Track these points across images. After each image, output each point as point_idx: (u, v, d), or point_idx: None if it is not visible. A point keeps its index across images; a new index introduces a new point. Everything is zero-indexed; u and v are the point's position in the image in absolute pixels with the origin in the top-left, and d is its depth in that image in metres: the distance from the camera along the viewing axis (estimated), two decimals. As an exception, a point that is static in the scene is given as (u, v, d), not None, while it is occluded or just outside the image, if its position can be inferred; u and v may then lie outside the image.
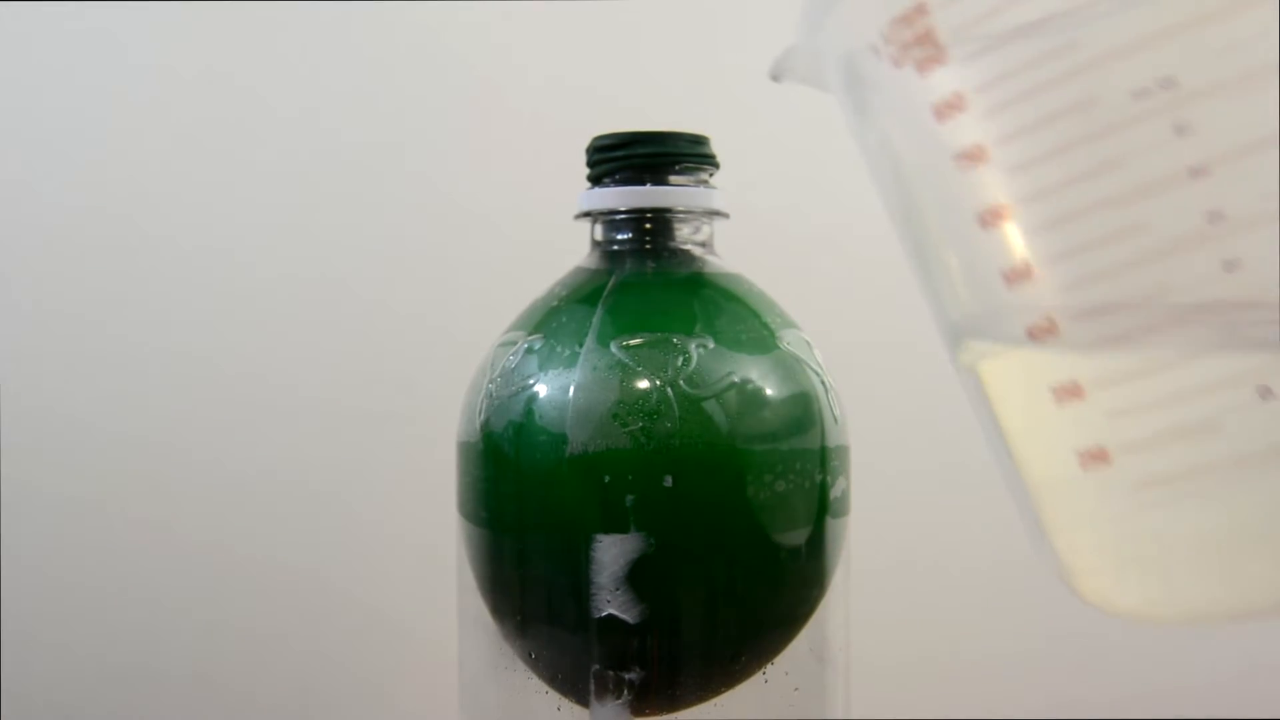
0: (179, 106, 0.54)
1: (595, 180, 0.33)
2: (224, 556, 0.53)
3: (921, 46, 0.19)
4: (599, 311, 0.31)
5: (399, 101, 0.54)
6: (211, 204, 0.53)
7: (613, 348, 0.30)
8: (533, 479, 0.31)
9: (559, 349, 0.31)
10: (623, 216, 0.33)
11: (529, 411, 0.31)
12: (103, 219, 0.53)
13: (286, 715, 0.53)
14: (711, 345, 0.31)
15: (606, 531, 0.29)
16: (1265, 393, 0.18)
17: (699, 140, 0.33)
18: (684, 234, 0.33)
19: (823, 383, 0.32)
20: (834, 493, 0.32)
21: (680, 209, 0.33)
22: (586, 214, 0.34)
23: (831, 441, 0.32)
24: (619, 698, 0.30)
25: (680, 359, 0.30)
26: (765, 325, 0.32)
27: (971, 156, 0.19)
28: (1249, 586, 0.19)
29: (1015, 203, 0.19)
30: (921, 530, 0.52)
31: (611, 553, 0.29)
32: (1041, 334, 0.19)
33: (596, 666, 0.30)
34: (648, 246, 0.33)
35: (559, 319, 0.32)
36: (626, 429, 0.29)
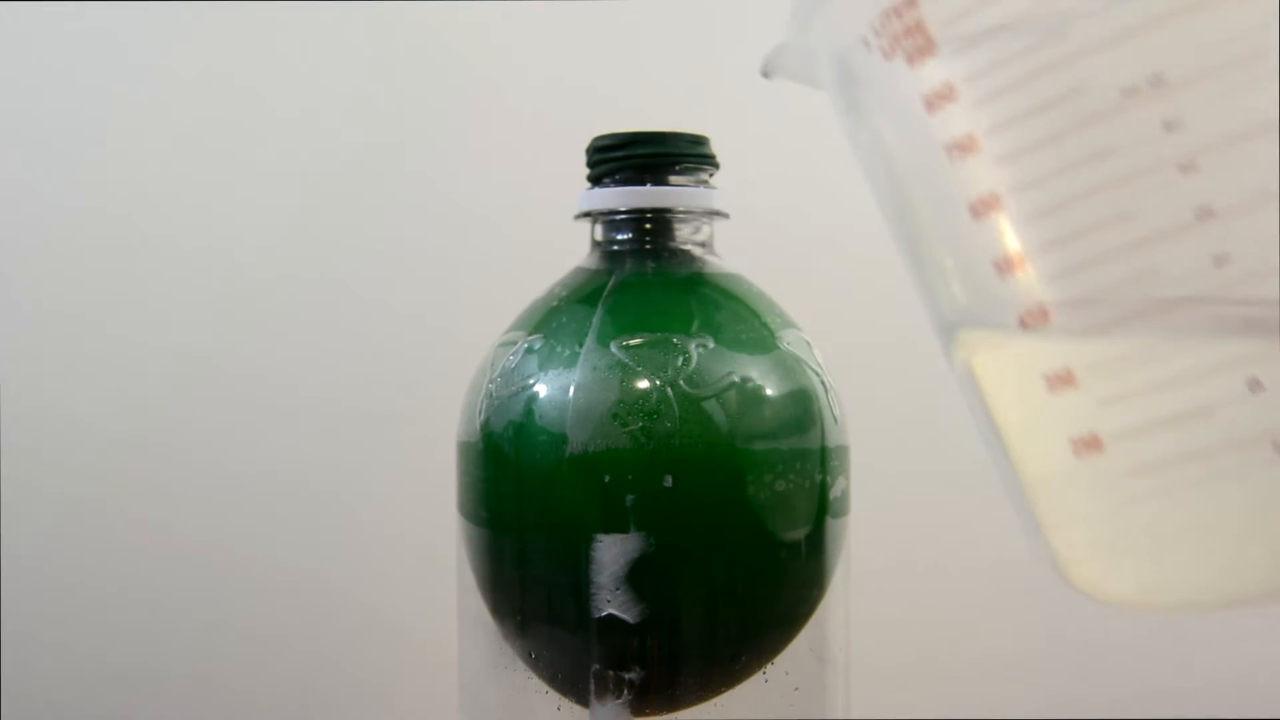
0: (179, 106, 0.54)
1: (595, 180, 0.33)
2: (224, 556, 0.53)
3: (911, 38, 0.20)
4: (599, 311, 0.32)
5: (399, 101, 0.54)
6: (211, 204, 0.53)
7: (613, 348, 0.30)
8: (533, 479, 0.31)
9: (559, 349, 0.31)
10: (623, 217, 0.33)
11: (529, 411, 0.31)
12: (103, 219, 0.53)
13: (286, 715, 0.53)
14: (711, 345, 0.31)
15: (606, 531, 0.29)
16: (1255, 384, 0.18)
17: (699, 140, 0.33)
18: (684, 234, 0.33)
19: (823, 383, 0.32)
20: (834, 493, 0.32)
21: (680, 209, 0.33)
22: (586, 214, 0.34)
23: (831, 441, 0.32)
24: (619, 698, 0.30)
25: (680, 359, 0.30)
26: (765, 325, 0.32)
27: (962, 147, 0.19)
28: (1241, 573, 0.19)
29: (1006, 192, 0.19)
30: (921, 530, 0.52)
31: (611, 553, 0.29)
32: (1034, 322, 0.19)
33: (596, 666, 0.30)
34: (648, 246, 0.33)
35: (559, 319, 0.32)
36: (626, 429, 0.29)
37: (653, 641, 0.30)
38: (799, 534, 0.31)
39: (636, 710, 0.30)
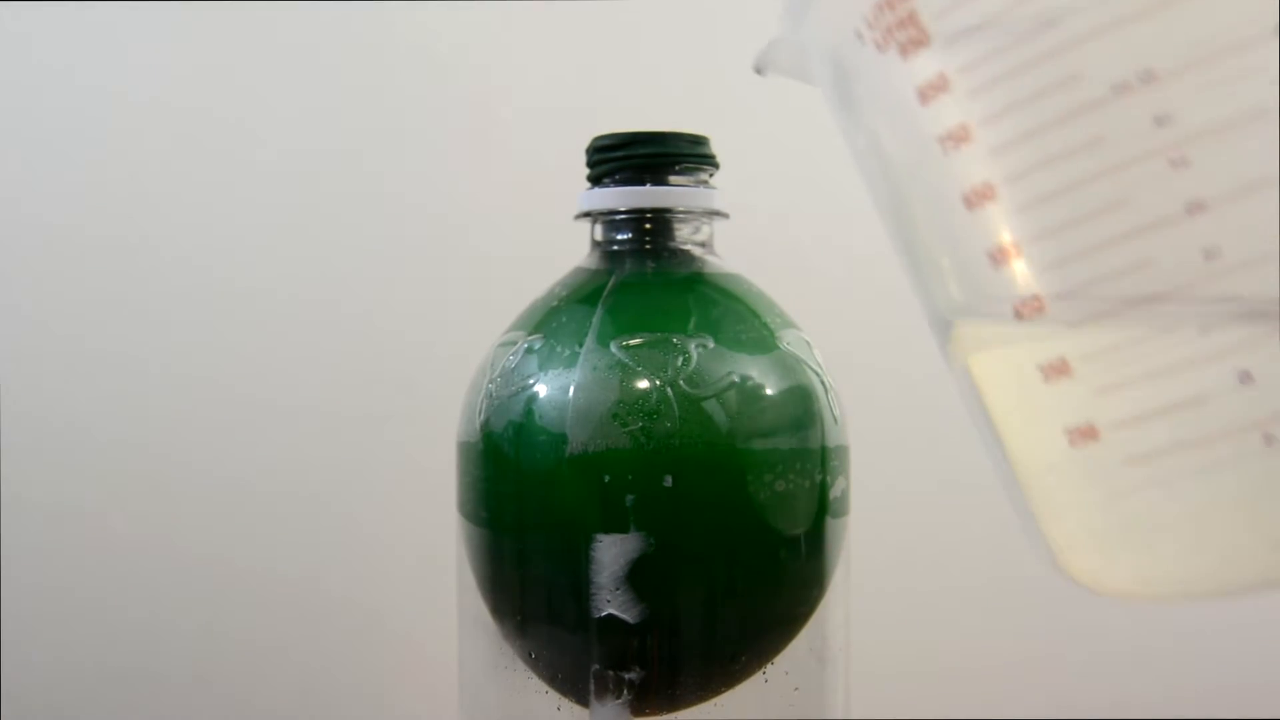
0: (179, 106, 0.54)
1: (595, 180, 0.33)
2: (224, 557, 0.53)
3: (904, 29, 0.20)
4: (599, 311, 0.32)
5: (399, 101, 0.54)
6: (211, 204, 0.53)
7: (613, 348, 0.30)
8: (533, 479, 0.31)
9: (559, 349, 0.31)
10: (623, 217, 0.33)
11: (529, 411, 0.31)
12: (103, 219, 0.53)
13: (287, 715, 0.53)
14: (711, 345, 0.31)
15: (606, 531, 0.29)
16: (1244, 376, 0.18)
17: (699, 140, 0.33)
18: (684, 234, 0.33)
19: (822, 383, 0.32)
20: (834, 493, 0.32)
21: (680, 209, 0.33)
22: (586, 214, 0.34)
23: (831, 441, 0.32)
24: (619, 698, 0.30)
25: (680, 359, 0.30)
26: (765, 325, 0.32)
27: (956, 138, 0.19)
28: (1238, 562, 0.19)
29: (1000, 182, 0.19)
30: (921, 530, 0.52)
31: (611, 553, 0.29)
32: (1029, 312, 0.19)
33: (596, 666, 0.30)
34: (648, 246, 0.33)
35: (559, 319, 0.32)
36: (626, 429, 0.29)
37: (653, 641, 0.30)
38: (799, 534, 0.31)
39: (636, 710, 0.30)
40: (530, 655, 0.31)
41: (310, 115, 0.54)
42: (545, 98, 0.53)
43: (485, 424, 0.32)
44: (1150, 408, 0.19)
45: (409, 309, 0.53)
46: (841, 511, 0.32)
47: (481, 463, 0.32)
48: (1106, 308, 0.19)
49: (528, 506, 0.31)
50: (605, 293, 0.32)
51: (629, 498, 0.29)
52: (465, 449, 0.33)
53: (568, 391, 0.30)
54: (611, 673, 0.30)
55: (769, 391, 0.31)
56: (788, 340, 0.32)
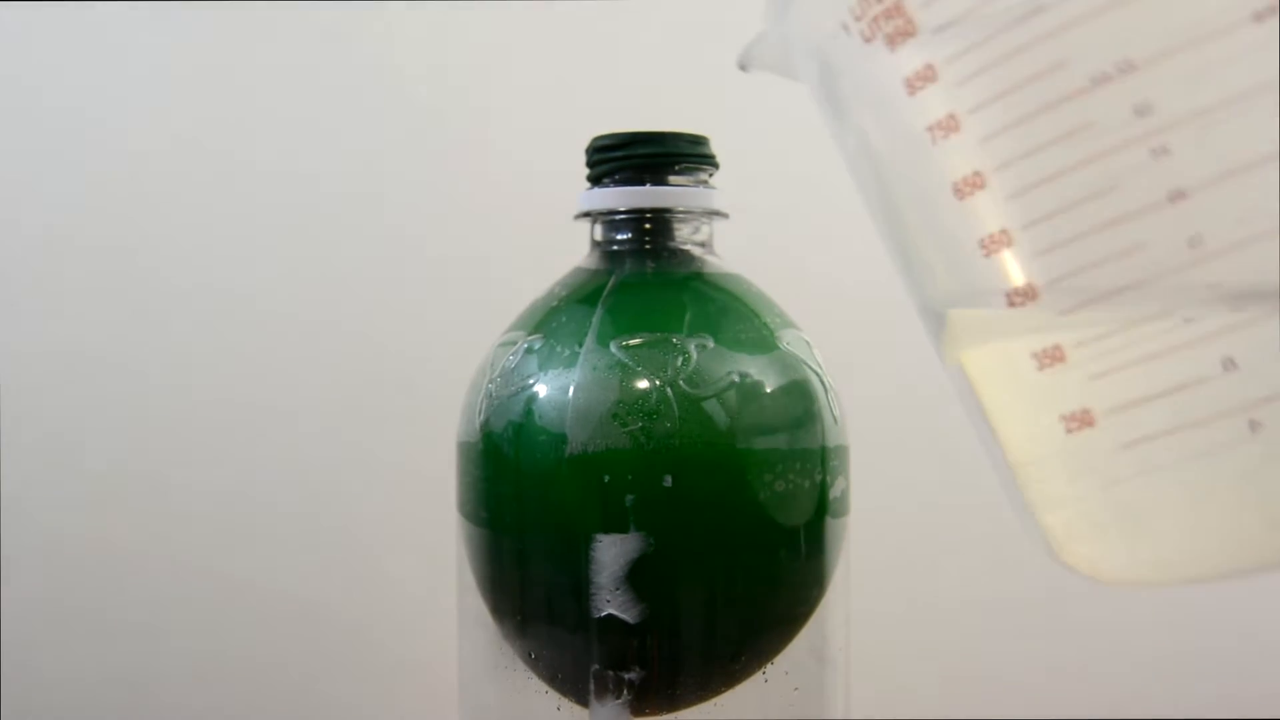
0: (179, 107, 0.54)
1: (595, 180, 0.33)
2: (223, 557, 0.53)
3: (891, 20, 0.20)
4: (599, 311, 0.32)
5: (399, 101, 0.54)
6: (212, 204, 0.54)
7: (612, 348, 0.30)
8: (532, 479, 0.31)
9: (559, 349, 0.31)
10: (622, 217, 0.33)
11: (529, 411, 0.31)
12: (103, 220, 0.53)
13: (286, 714, 0.53)
14: (711, 345, 0.31)
15: (606, 531, 0.29)
16: (1229, 363, 0.18)
17: (698, 140, 0.33)
18: (684, 234, 0.33)
19: (822, 383, 0.32)
20: (834, 493, 0.32)
21: (680, 209, 0.33)
22: (586, 214, 0.34)
23: (831, 441, 0.32)
24: (619, 698, 0.30)
25: (680, 359, 0.30)
26: (765, 325, 0.32)
27: (944, 128, 0.20)
28: (1235, 545, 0.19)
29: (989, 171, 0.19)
30: (921, 530, 0.52)
31: (611, 553, 0.29)
32: (1021, 301, 0.19)
33: (596, 666, 0.30)
34: (647, 246, 0.33)
35: (559, 319, 0.32)
36: (626, 429, 0.29)
37: (653, 641, 0.30)
38: (799, 534, 0.31)
39: (636, 710, 0.30)
40: (530, 655, 0.31)
41: (310, 116, 0.54)
42: (545, 98, 0.53)
43: (485, 424, 0.32)
44: (1144, 393, 0.19)
45: (409, 309, 0.53)
46: (841, 511, 0.32)
47: (481, 463, 0.32)
48: (1098, 295, 0.19)
49: (527, 506, 0.31)
50: (605, 293, 0.32)
51: (629, 498, 0.29)
52: (465, 449, 0.33)
53: (567, 391, 0.30)
54: (611, 673, 0.30)
55: (769, 391, 0.31)
56: (787, 340, 0.32)
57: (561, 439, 0.30)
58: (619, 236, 0.33)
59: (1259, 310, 0.18)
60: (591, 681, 0.30)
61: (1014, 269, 0.19)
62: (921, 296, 0.22)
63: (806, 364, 0.32)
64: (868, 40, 0.20)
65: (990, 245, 0.20)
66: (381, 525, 0.53)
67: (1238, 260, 0.18)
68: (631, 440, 0.29)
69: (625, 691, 0.30)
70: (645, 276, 0.33)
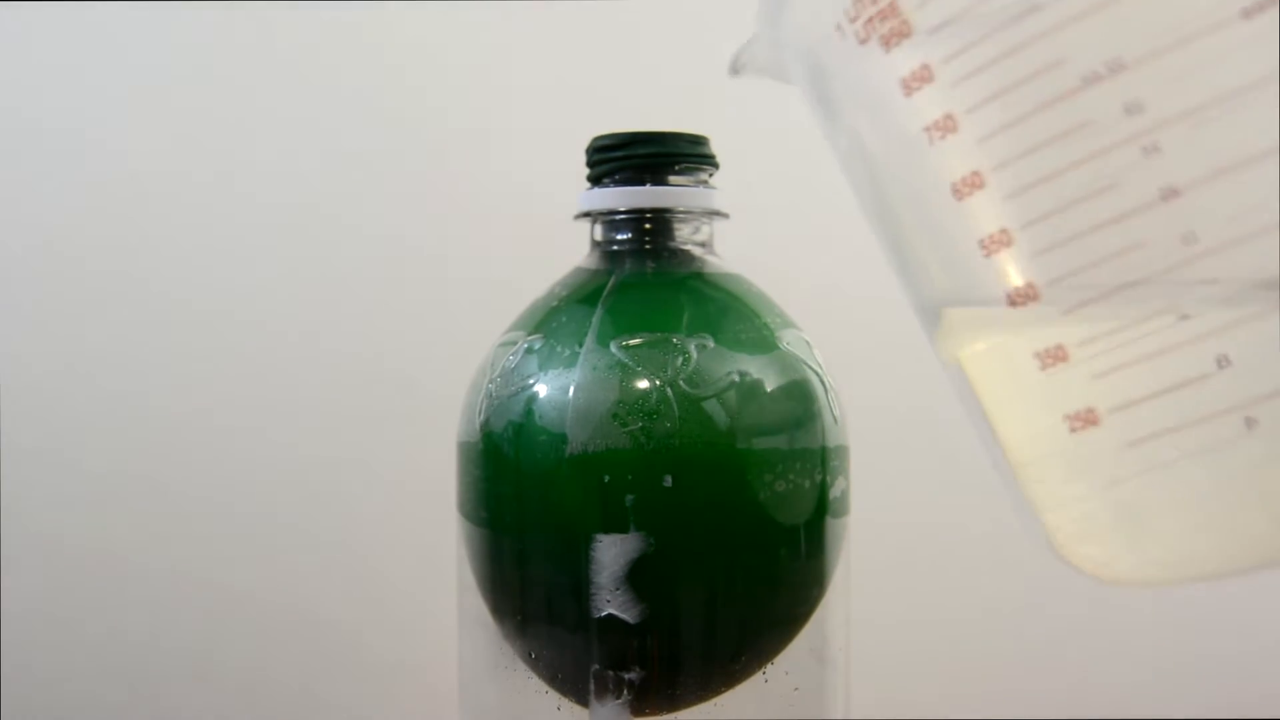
0: (180, 106, 0.54)
1: (595, 180, 0.33)
2: (223, 557, 0.53)
3: (886, 21, 0.20)
4: (599, 311, 0.32)
5: (399, 101, 0.54)
6: (212, 204, 0.54)
7: (613, 348, 0.30)
8: (533, 479, 0.31)
9: (559, 349, 0.31)
10: (622, 217, 0.33)
11: (529, 411, 0.31)
12: (102, 220, 0.53)
13: (287, 714, 0.53)
14: (711, 345, 0.31)
15: (606, 531, 0.29)
16: (1223, 360, 0.18)
17: (699, 140, 0.33)
18: (684, 234, 0.33)
19: (822, 383, 0.32)
20: (834, 493, 0.32)
21: (680, 209, 0.33)
22: (586, 214, 0.34)
23: (831, 441, 0.32)
24: (619, 697, 0.30)
25: (680, 359, 0.30)
26: (765, 325, 0.32)
27: (941, 128, 0.19)
28: (1240, 543, 0.19)
29: (988, 171, 0.19)
30: (921, 530, 0.52)
31: (611, 553, 0.29)
32: (1022, 300, 0.19)
33: (596, 666, 0.30)
34: (647, 246, 0.33)
35: (559, 319, 0.32)
36: (626, 429, 0.29)
37: (653, 641, 0.30)
38: (799, 534, 0.31)
39: (636, 710, 0.30)
40: (530, 655, 0.31)
41: (310, 115, 0.54)
42: (545, 98, 0.53)
43: (485, 424, 0.32)
44: (1147, 391, 0.19)
45: (409, 309, 0.53)
46: (841, 511, 0.32)
47: (481, 463, 0.32)
48: (1099, 293, 0.19)
49: (528, 506, 0.31)
50: (605, 293, 0.32)
51: (629, 498, 0.29)
52: (465, 449, 0.33)
53: (568, 391, 0.30)
54: (611, 673, 0.30)
55: (769, 391, 0.31)
56: (788, 340, 0.32)
57: (562, 439, 0.30)
58: (619, 236, 0.33)
59: (1257, 306, 0.18)
60: (591, 681, 0.30)
61: (1014, 269, 0.19)
62: (919, 297, 0.22)
63: (806, 364, 0.32)
64: (862, 42, 0.20)
65: (990, 245, 0.20)
66: (381, 525, 0.53)
67: (1231, 256, 0.18)
68: (632, 440, 0.29)
69: (625, 691, 0.30)
70: (645, 276, 0.33)
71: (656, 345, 0.30)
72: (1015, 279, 0.19)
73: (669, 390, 0.30)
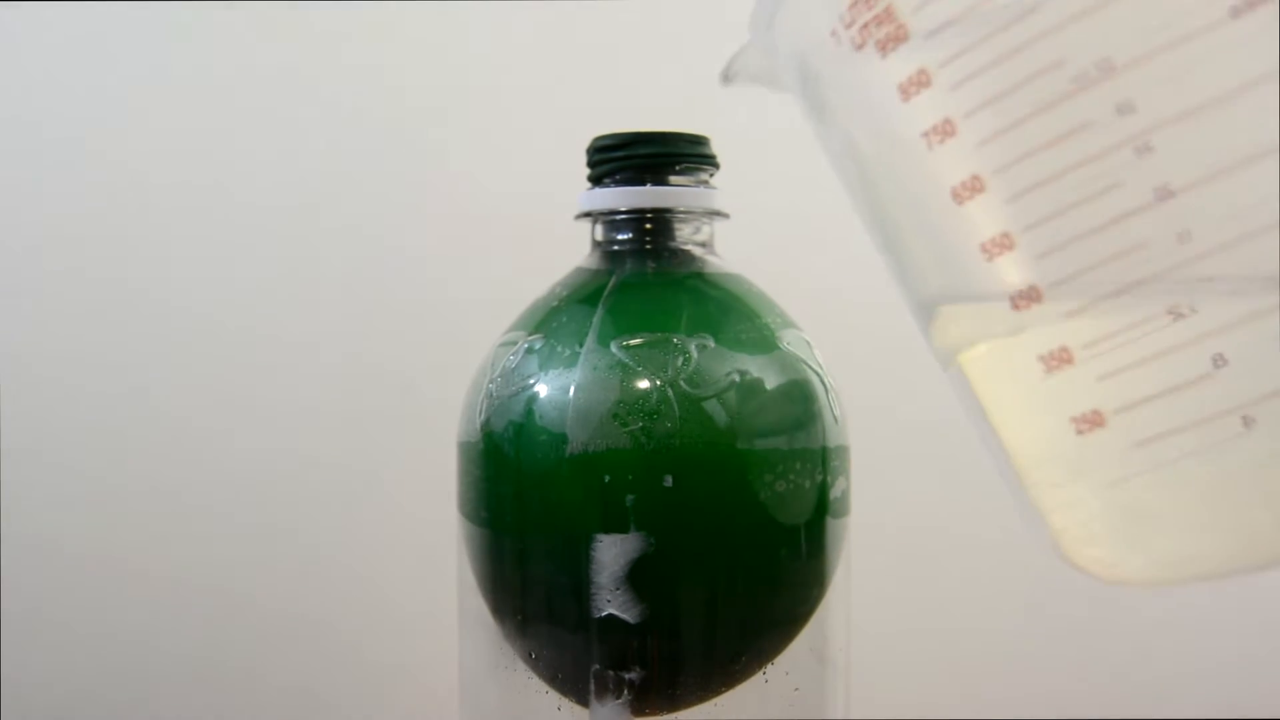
0: (180, 106, 0.54)
1: (595, 180, 0.33)
2: (224, 556, 0.53)
3: (882, 25, 0.20)
4: (599, 311, 0.32)
5: (399, 102, 0.54)
6: (211, 205, 0.53)
7: (613, 348, 0.30)
8: (533, 479, 0.31)
9: (559, 349, 0.31)
10: (623, 217, 0.33)
11: (529, 411, 0.31)
12: (103, 219, 0.53)
13: (287, 714, 0.53)
14: (711, 345, 0.31)
15: (606, 531, 0.29)
16: (1219, 359, 0.18)
17: (699, 140, 0.33)
18: (684, 234, 0.33)
19: (823, 383, 0.32)
20: (834, 493, 0.32)
21: (681, 209, 0.33)
22: (587, 214, 0.34)
23: (832, 441, 0.32)
24: (619, 697, 0.30)
25: (680, 359, 0.30)
26: (765, 325, 0.32)
27: (940, 132, 0.19)
28: (1246, 540, 0.19)
29: (988, 174, 0.19)
30: (922, 530, 0.52)
31: (611, 553, 0.29)
32: (1026, 303, 0.19)
33: (596, 666, 0.30)
34: (648, 246, 0.33)
35: (559, 319, 0.32)
36: (627, 429, 0.29)
37: (653, 641, 0.30)
38: (799, 534, 0.31)
39: (636, 710, 0.30)
40: (530, 655, 0.31)
41: (310, 115, 0.54)
42: (545, 98, 0.53)
43: (486, 424, 0.32)
44: (1153, 391, 0.19)
45: (409, 309, 0.53)
46: (842, 512, 0.32)
47: (482, 463, 0.32)
48: (1101, 294, 0.19)
49: (528, 506, 0.31)
50: (606, 293, 0.32)
51: (629, 498, 0.29)
52: (466, 449, 0.33)
53: (568, 391, 0.30)
54: (612, 673, 0.30)
55: (769, 391, 0.31)
56: (788, 340, 0.32)
57: (562, 439, 0.30)
58: (620, 236, 0.33)
59: (1257, 304, 0.18)
60: (592, 681, 0.30)
61: (1017, 272, 0.19)
62: (917, 299, 0.22)
63: (807, 364, 0.32)
64: (858, 48, 0.20)
65: (991, 249, 0.19)
66: (381, 525, 0.53)
67: (1228, 254, 0.18)
68: (632, 440, 0.29)
69: (625, 691, 0.30)
70: (646, 276, 0.33)
71: (657, 345, 0.30)
72: (1018, 282, 0.19)
73: (669, 390, 0.30)
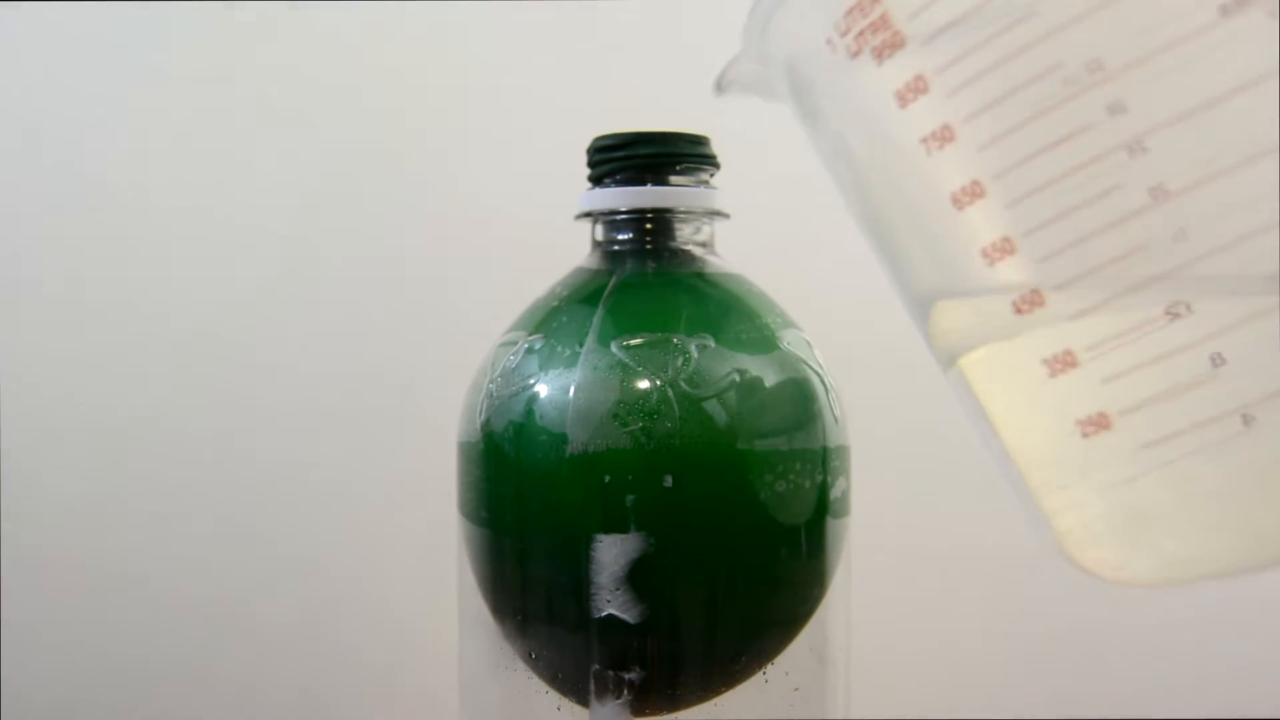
0: (180, 106, 0.54)
1: (596, 180, 0.33)
2: (225, 557, 0.53)
3: (877, 33, 0.20)
4: (600, 311, 0.31)
5: (399, 102, 0.54)
6: (212, 205, 0.54)
7: (613, 348, 0.30)
8: (533, 479, 0.31)
9: (560, 349, 0.31)
10: (623, 217, 0.33)
11: (529, 411, 0.31)
12: (103, 220, 0.53)
13: (287, 714, 0.53)
14: (712, 345, 0.31)
15: (607, 531, 0.29)
16: (1217, 359, 0.18)
17: (699, 140, 0.33)
18: (685, 234, 0.33)
19: (823, 383, 0.32)
20: (834, 493, 0.32)
21: (681, 209, 0.33)
22: (587, 214, 0.34)
23: (832, 441, 0.32)
24: (619, 698, 0.30)
25: (680, 359, 0.30)
26: (765, 325, 0.32)
27: (939, 138, 0.19)
28: (1252, 539, 0.19)
29: (988, 179, 0.19)
30: (922, 531, 0.52)
31: (611, 553, 0.29)
32: (1028, 307, 0.19)
33: (596, 666, 0.30)
34: (648, 247, 0.33)
35: (560, 319, 0.32)
36: (627, 429, 0.29)
37: (653, 641, 0.30)
38: (799, 534, 0.31)
39: (636, 710, 0.30)
40: (530, 655, 0.31)
41: (310, 116, 0.54)
42: (546, 98, 0.53)
43: (486, 424, 0.32)
44: (1157, 392, 0.19)
45: (409, 309, 0.53)
46: (842, 512, 0.32)
47: (482, 463, 0.32)
48: (1103, 296, 0.19)
49: (528, 506, 0.31)
50: (606, 293, 0.32)
51: (629, 498, 0.29)
52: (466, 449, 0.33)
53: (568, 391, 0.30)
54: (612, 673, 0.30)
55: (770, 391, 0.31)
56: (788, 340, 0.32)
57: (562, 439, 0.30)
58: (620, 236, 0.33)
59: (1256, 303, 0.18)
60: (592, 681, 0.30)
61: (1018, 276, 0.19)
62: (917, 302, 0.22)
63: (807, 364, 0.32)
64: (854, 55, 0.20)
65: (993, 254, 0.19)
66: (381, 525, 0.53)
67: (1226, 253, 0.18)
68: (632, 440, 0.29)
69: (625, 691, 0.30)
70: (646, 276, 0.33)
71: (657, 345, 0.30)
72: (1020, 286, 0.19)
73: (670, 390, 0.30)
